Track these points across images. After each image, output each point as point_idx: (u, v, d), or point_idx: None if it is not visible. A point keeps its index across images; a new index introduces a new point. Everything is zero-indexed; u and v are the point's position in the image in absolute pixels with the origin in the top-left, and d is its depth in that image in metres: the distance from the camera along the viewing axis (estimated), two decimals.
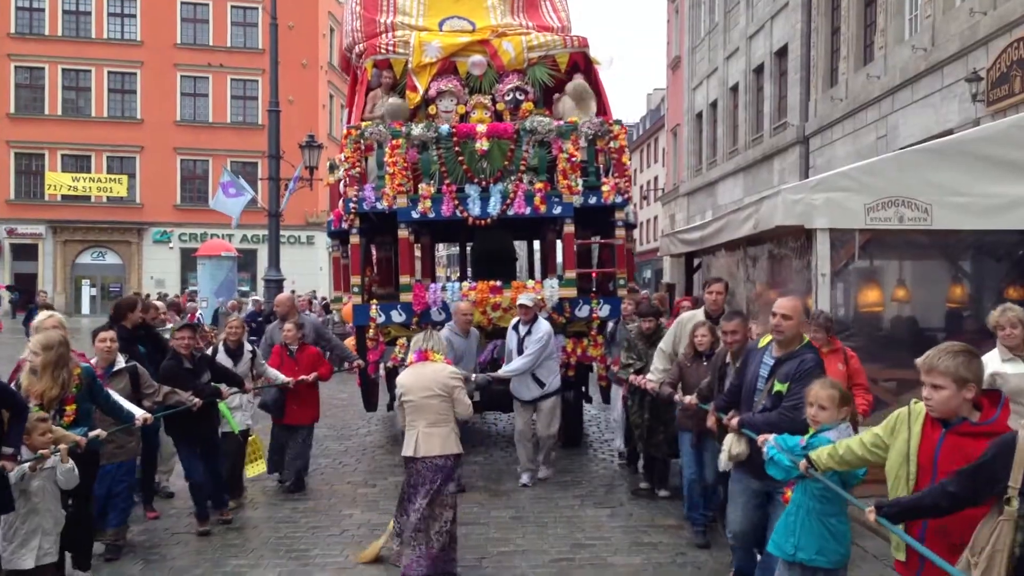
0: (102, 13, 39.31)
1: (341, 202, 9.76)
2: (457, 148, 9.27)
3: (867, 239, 7.82)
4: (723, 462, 5.32)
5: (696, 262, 12.69)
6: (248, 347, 8.24)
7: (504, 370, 8.43)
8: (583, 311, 9.44)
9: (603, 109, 10.20)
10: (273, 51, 18.67)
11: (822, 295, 7.67)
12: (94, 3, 39.19)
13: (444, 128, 9.28)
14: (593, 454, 10.23)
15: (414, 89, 10.11)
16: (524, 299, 8.45)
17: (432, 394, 5.90)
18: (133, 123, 39.42)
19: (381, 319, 9.41)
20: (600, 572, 6.20)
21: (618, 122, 9.76)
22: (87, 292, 40.59)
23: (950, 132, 13.77)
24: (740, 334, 5.87)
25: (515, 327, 8.55)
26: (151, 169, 39.49)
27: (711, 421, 5.76)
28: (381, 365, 9.70)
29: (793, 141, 21.14)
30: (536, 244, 13.77)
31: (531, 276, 11.89)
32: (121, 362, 6.77)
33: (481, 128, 9.29)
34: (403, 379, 6.12)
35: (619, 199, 9.51)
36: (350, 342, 11.54)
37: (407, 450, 5.98)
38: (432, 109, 9.90)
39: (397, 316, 9.40)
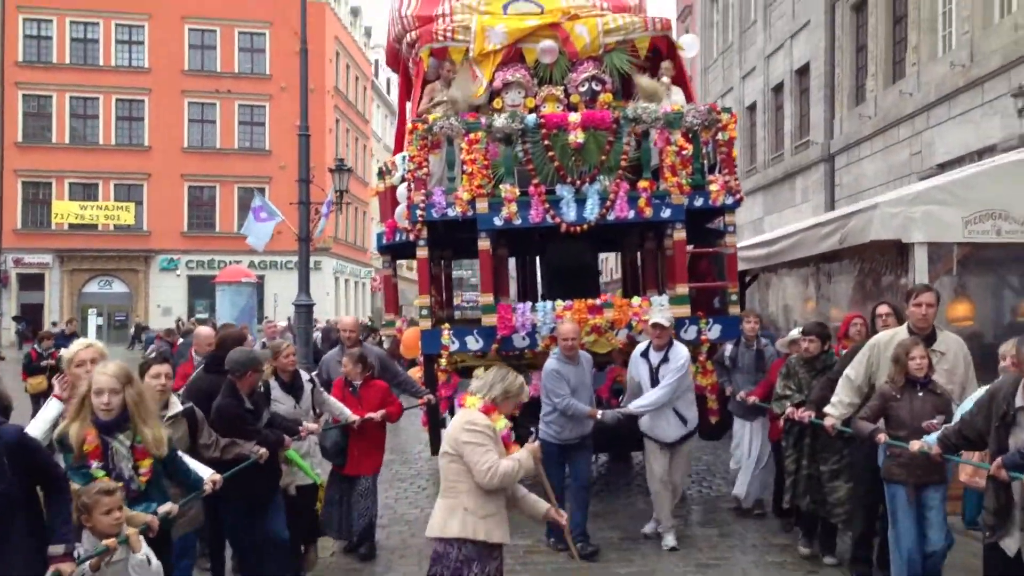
0: (110, 41, 39.37)
1: (403, 209, 8.62)
2: (547, 142, 8.10)
3: (965, 253, 7.92)
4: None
5: (747, 278, 12.73)
6: (306, 376, 6.97)
7: (638, 404, 7.06)
8: (690, 333, 8.23)
9: (690, 100, 9.23)
10: (303, 77, 18.66)
11: None
12: (102, 31, 39.25)
13: (531, 119, 8.14)
14: (707, 500, 8.95)
15: (476, 80, 9.04)
16: (659, 318, 7.18)
17: (444, 452, 4.56)
18: (141, 150, 39.40)
19: (455, 346, 8.22)
20: None
21: (727, 110, 8.69)
22: (93, 321, 40.33)
23: (992, 148, 13.94)
24: None
25: (644, 354, 7.25)
26: (158, 196, 39.45)
27: (967, 476, 5.04)
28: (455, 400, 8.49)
29: (817, 159, 21.27)
30: (610, 254, 12.72)
31: (625, 292, 10.27)
32: (177, 405, 5.31)
33: (574, 118, 8.12)
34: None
35: (729, 200, 8.42)
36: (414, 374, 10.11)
37: None
38: (497, 102, 8.80)
39: (474, 343, 8.20)
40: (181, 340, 16.91)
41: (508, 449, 4.55)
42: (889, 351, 5.74)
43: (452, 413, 8.54)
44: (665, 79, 9.09)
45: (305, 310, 19.49)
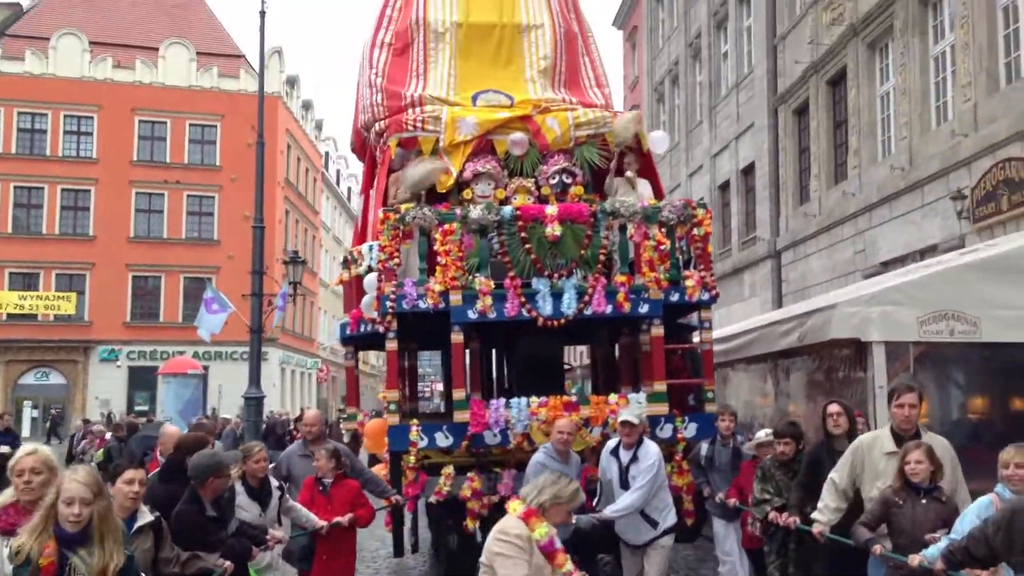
0: (58, 132, 39.19)
1: (372, 300, 8.37)
2: (523, 234, 7.99)
3: (920, 352, 8.15)
4: None
5: None
6: (275, 482, 6.70)
7: (612, 509, 6.76)
8: (666, 431, 8.03)
9: (659, 195, 9.29)
10: (259, 170, 18.71)
11: (880, 407, 7.88)
12: (50, 122, 39.08)
13: (507, 210, 8.06)
14: None
15: (446, 171, 9.00)
16: (627, 415, 6.95)
17: (481, 562, 4.41)
18: (85, 240, 38.93)
19: (424, 443, 7.87)
20: None
21: (702, 205, 8.69)
22: (28, 414, 39.16)
23: (934, 248, 14.49)
24: None
25: (614, 452, 7.00)
26: (101, 286, 38.86)
27: None
28: (422, 501, 8.16)
29: (764, 255, 21.81)
30: (577, 348, 12.70)
31: (595, 388, 10.15)
32: (146, 514, 4.90)
33: (551, 210, 8.09)
34: None
35: (705, 296, 8.38)
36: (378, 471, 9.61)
37: None
38: (467, 193, 8.76)
39: (443, 439, 7.89)
40: (110, 435, 16.37)
41: (552, 559, 4.31)
42: (873, 452, 5.66)
43: (430, 512, 8.51)
44: (629, 173, 9.19)
45: (255, 402, 19.23)
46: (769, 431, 7.59)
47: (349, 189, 63.22)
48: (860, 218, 17.22)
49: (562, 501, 4.41)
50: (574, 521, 6.52)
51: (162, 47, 40.59)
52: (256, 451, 6.55)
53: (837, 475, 5.89)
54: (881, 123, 17.10)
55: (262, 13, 19.29)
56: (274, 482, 6.68)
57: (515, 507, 4.38)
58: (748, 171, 23.34)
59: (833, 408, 6.57)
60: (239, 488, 6.20)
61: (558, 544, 4.41)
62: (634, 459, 6.83)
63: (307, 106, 49.52)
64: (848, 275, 17.31)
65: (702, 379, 8.51)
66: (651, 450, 6.89)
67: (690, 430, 8.17)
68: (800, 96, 20.25)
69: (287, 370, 44.18)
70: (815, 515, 5.96)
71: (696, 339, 8.86)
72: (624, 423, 6.91)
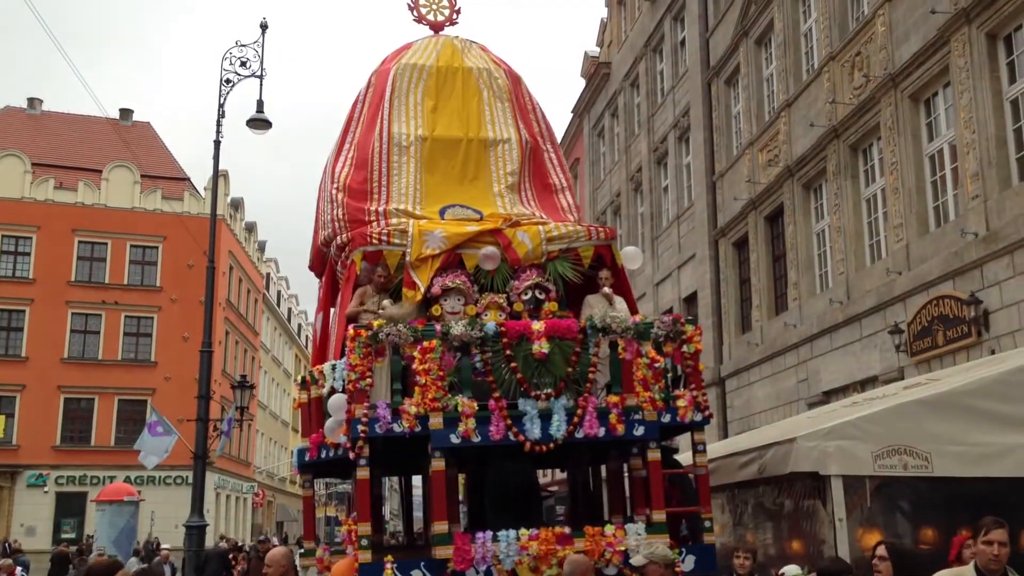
0: None
1: (335, 424, 7.87)
2: (508, 352, 7.54)
3: (876, 485, 8.51)
4: None
5: None
6: None
7: None
8: None
9: (633, 313, 8.81)
10: (209, 294, 18.77)
11: (841, 539, 8.17)
12: None
13: (491, 326, 7.61)
14: None
15: (412, 286, 8.55)
16: (660, 552, 6.43)
17: None
18: (17, 361, 38.03)
19: None
20: None
21: (691, 321, 8.34)
22: None
23: (874, 379, 15.11)
24: None
25: None
26: (32, 408, 37.81)
27: None
28: None
29: (709, 382, 22.26)
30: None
31: (575, 516, 9.50)
32: None
33: (538, 326, 7.65)
34: None
35: (698, 417, 8.02)
36: None
37: None
38: (436, 309, 8.27)
39: None
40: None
41: None
42: None
43: None
44: (607, 289, 8.87)
45: (197, 532, 18.73)
46: (797, 568, 7.30)
47: (289, 310, 63.11)
48: (802, 348, 17.88)
49: None
50: None
51: (106, 169, 40.82)
52: None
53: None
54: (818, 258, 17.97)
55: (216, 142, 19.73)
56: None
57: None
58: (691, 300, 24.08)
59: (881, 551, 6.21)
60: None
61: None
62: None
63: (250, 228, 49.82)
64: (792, 403, 17.85)
65: (698, 507, 8.06)
66: None
67: (688, 563, 7.62)
68: (739, 230, 21.19)
69: (222, 494, 43.03)
70: None
71: (678, 461, 8.70)
72: (653, 563, 6.27)
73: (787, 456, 8.58)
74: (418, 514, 15.10)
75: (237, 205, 46.45)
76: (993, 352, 11.96)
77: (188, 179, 44.42)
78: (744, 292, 21.40)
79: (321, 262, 10.17)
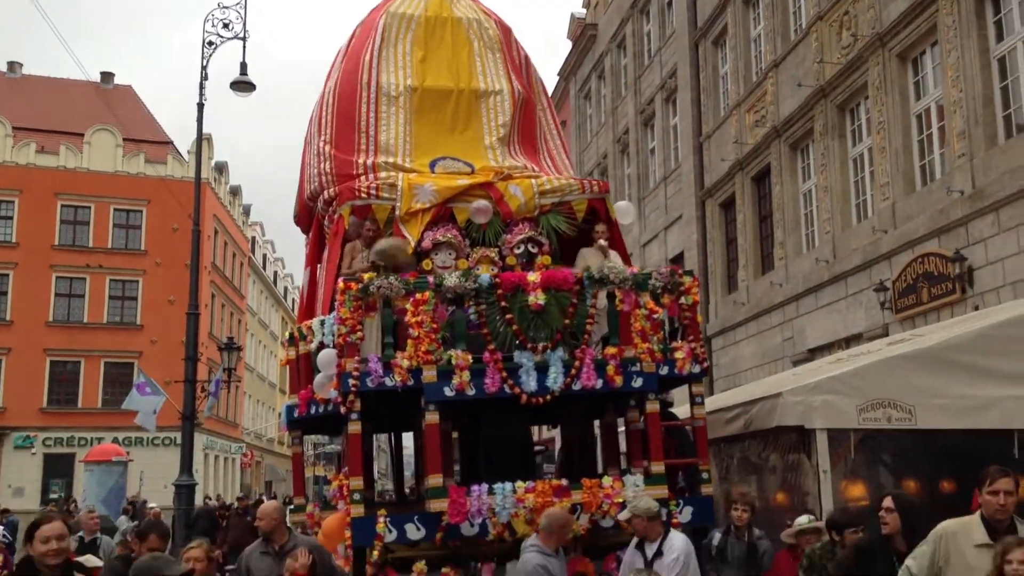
0: None
1: (325, 379, 7.75)
2: (503, 303, 7.39)
3: (860, 438, 8.63)
4: None
5: None
6: None
7: None
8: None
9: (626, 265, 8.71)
10: (195, 256, 18.71)
11: (825, 490, 8.30)
12: None
13: (485, 277, 7.46)
14: None
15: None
16: (644, 504, 6.39)
17: None
18: (1, 324, 37.88)
19: (392, 536, 7.17)
20: None
21: (689, 273, 8.20)
22: None
23: (859, 336, 15.25)
24: None
25: (638, 546, 6.49)
26: (17, 371, 37.73)
27: None
28: None
29: None
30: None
31: (570, 470, 9.05)
32: None
33: (534, 277, 7.49)
34: None
35: (696, 368, 7.97)
36: None
37: None
38: (426, 264, 8.09)
39: (415, 531, 7.21)
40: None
41: None
42: (959, 541, 5.11)
43: None
44: (602, 242, 8.79)
45: (187, 490, 18.80)
46: (812, 517, 7.26)
47: (275, 273, 62.95)
48: (787, 307, 18.00)
49: None
50: None
51: (88, 133, 40.39)
52: (190, 549, 5.81)
53: (915, 564, 5.28)
54: (805, 218, 18.05)
55: (200, 105, 19.56)
56: None
57: None
58: (677, 260, 24.10)
59: (888, 503, 5.94)
60: None
61: None
62: (658, 553, 6.29)
63: (235, 192, 49.51)
64: (777, 361, 18.01)
65: (695, 459, 8.04)
66: (675, 544, 6.34)
67: (685, 515, 7.63)
68: (726, 191, 21.23)
69: (210, 455, 43.16)
70: None
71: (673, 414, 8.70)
72: (635, 517, 6.38)
73: (773, 411, 8.70)
74: (408, 475, 15.25)
75: (221, 169, 46.13)
76: (977, 308, 12.10)
77: (171, 143, 44.05)
78: (730, 252, 21.48)
79: (307, 217, 10.00)
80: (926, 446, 8.65)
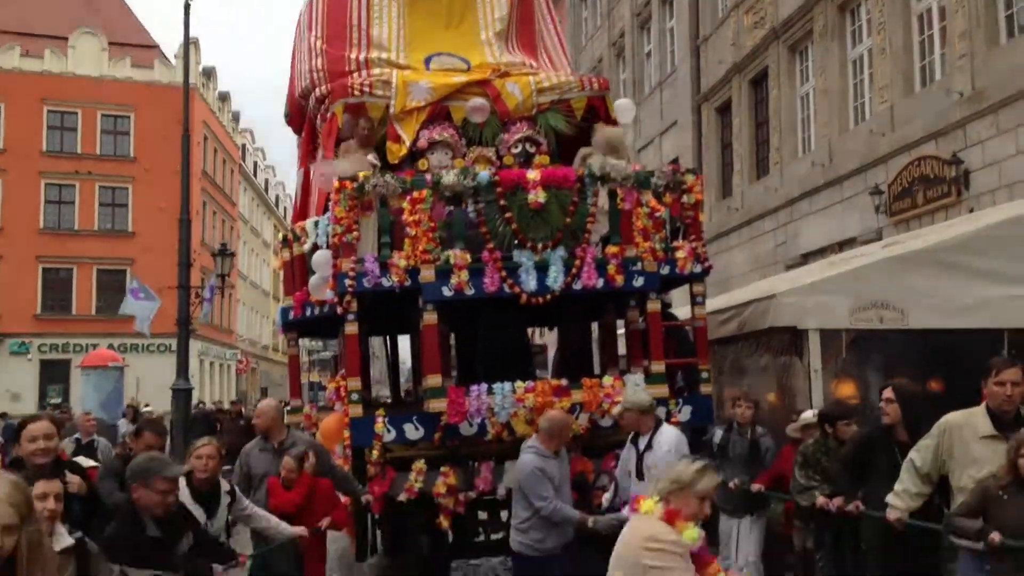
0: None
1: (320, 280, 7.68)
2: (502, 202, 7.21)
3: (852, 338, 8.71)
4: None
5: None
6: (225, 486, 5.79)
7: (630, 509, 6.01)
8: (659, 415, 6.99)
9: None
10: (185, 162, 18.50)
11: (815, 388, 8.40)
12: None
13: (484, 175, 7.25)
14: None
15: (398, 140, 8.20)
16: (636, 397, 6.39)
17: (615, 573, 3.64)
18: None
19: (391, 436, 7.15)
20: None
21: (691, 171, 8.07)
22: None
23: (852, 240, 15.25)
24: None
25: (633, 440, 6.41)
26: (10, 278, 37.57)
27: None
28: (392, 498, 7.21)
29: None
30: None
31: (567, 369, 8.83)
32: (64, 536, 3.71)
33: (533, 175, 7.27)
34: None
35: (698, 268, 7.82)
36: None
37: None
38: (422, 164, 7.90)
39: (413, 431, 7.19)
40: None
41: (706, 567, 3.67)
42: (964, 434, 5.03)
43: (387, 512, 7.55)
44: (612, 131, 8.55)
45: (184, 395, 19.03)
46: (816, 412, 7.22)
47: (267, 181, 62.46)
48: (781, 212, 17.95)
49: (665, 490, 3.66)
50: (590, 524, 6.02)
51: (72, 36, 39.45)
52: (200, 446, 5.71)
53: (919, 457, 5.19)
54: (802, 122, 17.85)
55: (187, 6, 19.08)
56: (224, 485, 5.80)
57: (648, 505, 3.61)
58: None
59: (888, 393, 5.95)
60: (182, 486, 5.26)
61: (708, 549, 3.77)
62: (649, 447, 6.24)
63: (224, 97, 48.74)
64: (770, 266, 18.05)
65: (694, 358, 8.00)
66: (666, 438, 6.25)
67: (684, 413, 7.61)
68: (723, 95, 20.94)
69: (206, 362, 43.54)
70: (891, 499, 5.26)
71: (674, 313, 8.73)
72: (627, 410, 6.36)
73: (766, 312, 8.76)
74: (404, 380, 15.34)
75: (209, 74, 45.28)
76: (972, 211, 12.06)
77: (158, 46, 43.11)
78: (726, 157, 21.32)
79: (299, 115, 9.74)
80: (917, 346, 8.72)
